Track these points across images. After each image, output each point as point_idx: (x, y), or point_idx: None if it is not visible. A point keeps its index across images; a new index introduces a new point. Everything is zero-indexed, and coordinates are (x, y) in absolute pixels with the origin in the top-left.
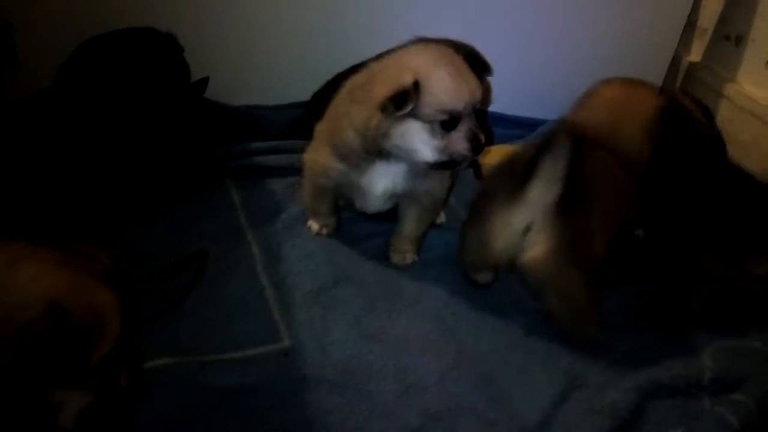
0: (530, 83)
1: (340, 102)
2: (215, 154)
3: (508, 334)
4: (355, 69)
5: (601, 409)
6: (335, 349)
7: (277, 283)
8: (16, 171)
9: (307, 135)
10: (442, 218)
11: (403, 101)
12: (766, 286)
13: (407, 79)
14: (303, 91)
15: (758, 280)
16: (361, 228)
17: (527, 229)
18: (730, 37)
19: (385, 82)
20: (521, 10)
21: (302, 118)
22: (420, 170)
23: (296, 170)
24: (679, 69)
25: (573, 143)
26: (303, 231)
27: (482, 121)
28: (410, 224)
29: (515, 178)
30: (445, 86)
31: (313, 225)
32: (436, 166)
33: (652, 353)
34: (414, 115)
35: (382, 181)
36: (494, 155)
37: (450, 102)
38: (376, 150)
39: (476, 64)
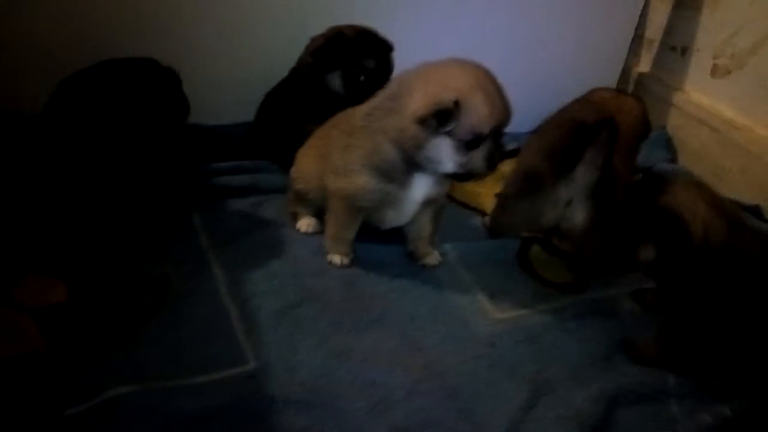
0: None
1: (363, 124)
2: (189, 179)
3: (473, 346)
4: (295, 74)
5: (570, 417)
6: (303, 368)
7: (241, 305)
8: None
9: (261, 148)
10: (436, 258)
11: (447, 119)
12: None
13: (450, 99)
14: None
15: None
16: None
17: (569, 203)
18: (676, 47)
19: (425, 96)
20: (474, 27)
21: (252, 132)
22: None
23: (258, 190)
24: (629, 79)
25: (612, 136)
26: (266, 251)
27: (499, 139)
28: (430, 225)
29: (562, 161)
30: (480, 111)
31: (336, 258)
32: (452, 177)
33: (614, 361)
34: (447, 132)
35: (421, 189)
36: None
37: (481, 126)
38: (411, 161)
39: (378, 45)
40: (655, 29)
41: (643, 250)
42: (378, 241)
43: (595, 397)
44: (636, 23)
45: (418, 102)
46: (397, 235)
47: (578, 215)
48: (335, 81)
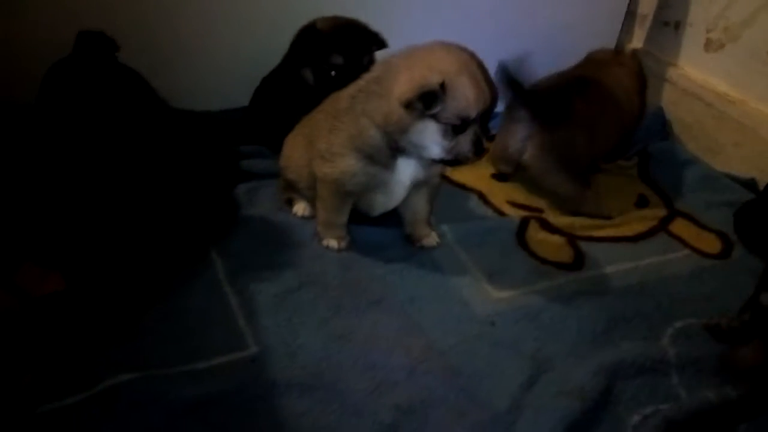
0: None
1: (348, 107)
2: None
3: (473, 325)
4: (291, 58)
5: (570, 392)
6: (303, 351)
7: (240, 291)
8: None
9: (255, 134)
10: (434, 240)
11: (433, 102)
12: None
13: (435, 81)
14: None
15: None
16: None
17: (527, 137)
18: (669, 23)
19: (410, 79)
20: (465, 7)
21: (246, 117)
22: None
23: (254, 175)
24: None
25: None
26: (263, 237)
27: (485, 122)
28: (425, 206)
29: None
30: (466, 94)
31: (332, 242)
32: (440, 162)
33: (612, 336)
34: (433, 115)
35: (408, 171)
36: None
37: (467, 109)
38: (396, 146)
39: (374, 40)
40: (647, 4)
41: None
42: (375, 224)
43: (595, 371)
44: None
45: (404, 85)
46: (394, 218)
47: (533, 146)
48: (308, 75)
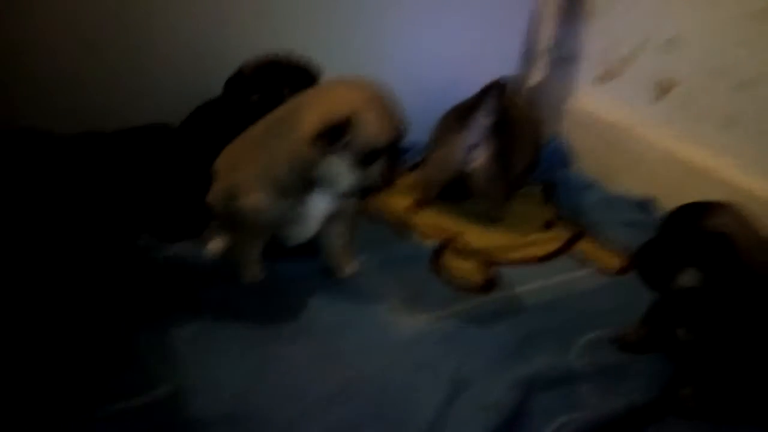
0: None
1: (260, 140)
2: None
3: (392, 350)
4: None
5: (489, 407)
6: (223, 386)
7: (156, 330)
8: None
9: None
10: (354, 268)
11: (338, 136)
12: None
13: (341, 115)
14: None
15: None
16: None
17: (472, 147)
18: (563, 58)
19: (317, 115)
20: (364, 36)
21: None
22: None
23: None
24: (523, 89)
25: (503, 91)
26: (177, 271)
27: (395, 154)
28: (342, 236)
29: (464, 113)
30: (372, 127)
31: (248, 274)
32: (350, 193)
33: (524, 352)
34: (341, 149)
35: (320, 204)
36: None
37: (374, 142)
38: (306, 180)
39: (305, 78)
40: (543, 41)
41: (684, 276)
42: (294, 254)
43: (511, 386)
44: (524, 37)
45: (310, 122)
46: (314, 248)
47: (478, 156)
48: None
